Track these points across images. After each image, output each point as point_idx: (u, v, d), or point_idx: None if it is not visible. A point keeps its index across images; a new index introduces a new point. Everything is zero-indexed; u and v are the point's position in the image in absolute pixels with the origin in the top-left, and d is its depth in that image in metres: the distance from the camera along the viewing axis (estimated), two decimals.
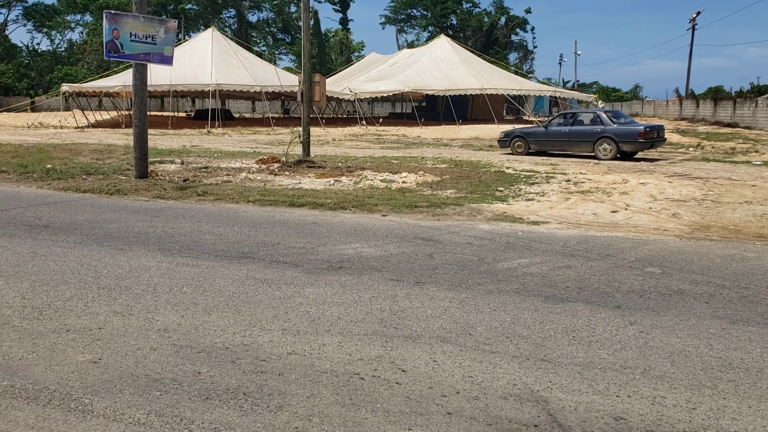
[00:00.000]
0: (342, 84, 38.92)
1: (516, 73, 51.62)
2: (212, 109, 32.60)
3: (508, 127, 23.98)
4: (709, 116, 39.23)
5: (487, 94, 36.20)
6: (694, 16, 52.39)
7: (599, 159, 16.98)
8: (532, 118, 39.91)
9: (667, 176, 13.26)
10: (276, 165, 14.47)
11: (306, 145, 15.83)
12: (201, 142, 23.48)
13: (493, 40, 70.51)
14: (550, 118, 22.36)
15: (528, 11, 73.47)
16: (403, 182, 11.87)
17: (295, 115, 44.24)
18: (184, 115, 48.09)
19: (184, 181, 11.83)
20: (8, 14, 68.77)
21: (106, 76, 39.39)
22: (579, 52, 71.01)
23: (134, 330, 4.26)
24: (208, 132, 30.11)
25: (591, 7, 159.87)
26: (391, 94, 38.87)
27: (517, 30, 72.42)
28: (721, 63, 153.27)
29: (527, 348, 4.00)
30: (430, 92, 37.97)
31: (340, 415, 3.15)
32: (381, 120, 37.95)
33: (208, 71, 33.61)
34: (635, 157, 17.74)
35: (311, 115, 17.31)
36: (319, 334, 4.22)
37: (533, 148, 18.87)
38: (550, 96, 42.40)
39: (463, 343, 4.06)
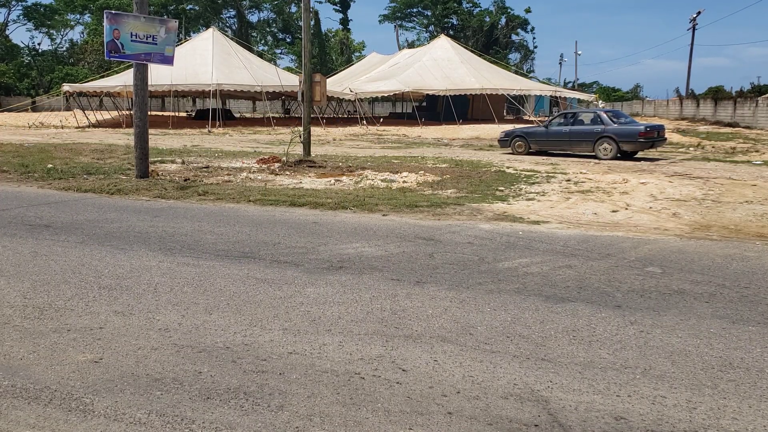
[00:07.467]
0: (343, 84, 38.92)
1: (516, 72, 51.57)
2: (213, 108, 32.63)
3: (509, 127, 23.99)
4: (710, 116, 39.17)
5: (487, 94, 36.19)
6: (695, 15, 52.36)
7: (600, 159, 16.99)
8: (532, 118, 39.88)
9: (667, 176, 13.26)
10: (276, 165, 14.47)
11: (306, 144, 15.84)
12: (201, 142, 23.49)
13: (494, 40, 70.47)
14: (551, 117, 22.36)
15: (528, 11, 73.49)
16: (404, 182, 11.87)
17: (296, 115, 44.26)
18: (184, 115, 48.11)
19: (185, 180, 11.83)
20: (8, 14, 68.86)
21: (107, 76, 39.43)
22: (579, 52, 71.14)
23: (135, 330, 4.27)
24: (209, 132, 30.12)
25: (591, 7, 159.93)
26: (391, 94, 38.86)
27: (518, 30, 72.40)
28: (721, 63, 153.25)
29: (528, 347, 4.00)
30: (430, 92, 37.98)
31: (341, 415, 3.15)
32: (381, 120, 37.94)
33: (209, 71, 33.62)
34: (635, 156, 17.73)
35: (312, 115, 17.31)
36: (319, 333, 4.22)
37: (534, 148, 18.88)
38: (551, 96, 42.36)
39: (464, 343, 4.06)
